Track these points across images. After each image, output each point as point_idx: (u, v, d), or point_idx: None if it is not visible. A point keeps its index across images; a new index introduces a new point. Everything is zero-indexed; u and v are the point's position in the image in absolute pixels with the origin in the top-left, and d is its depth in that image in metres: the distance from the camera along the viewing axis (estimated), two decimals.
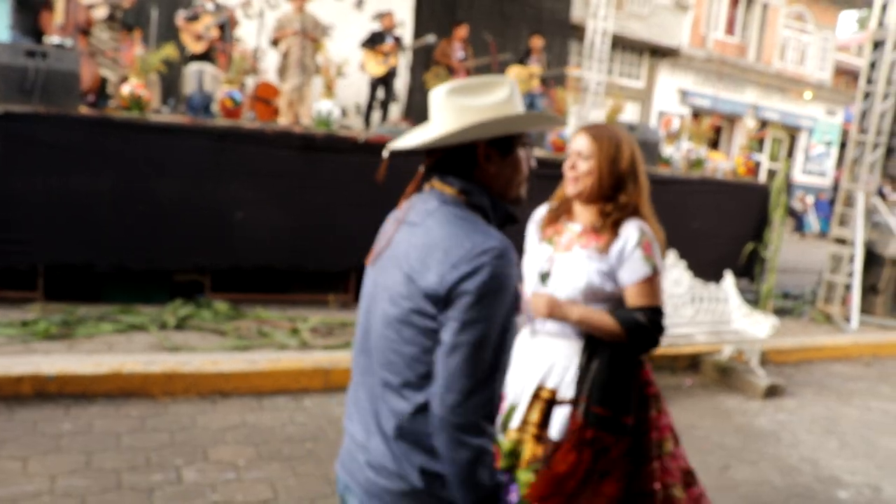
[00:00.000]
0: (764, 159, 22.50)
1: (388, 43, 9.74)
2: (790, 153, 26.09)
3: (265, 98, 8.50)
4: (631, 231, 2.51)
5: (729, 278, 6.65)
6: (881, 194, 11.04)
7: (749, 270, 9.40)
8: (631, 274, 2.49)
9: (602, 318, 2.49)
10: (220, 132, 6.55)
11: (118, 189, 6.20)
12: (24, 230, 5.98)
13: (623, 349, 2.52)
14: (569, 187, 2.60)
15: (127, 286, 6.50)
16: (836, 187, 17.86)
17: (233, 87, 6.98)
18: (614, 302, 2.54)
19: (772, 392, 6.30)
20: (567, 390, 2.54)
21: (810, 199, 23.14)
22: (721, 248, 9.08)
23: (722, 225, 9.16)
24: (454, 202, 1.73)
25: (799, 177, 25.69)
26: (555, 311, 2.51)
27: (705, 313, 6.37)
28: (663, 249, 2.60)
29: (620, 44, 20.04)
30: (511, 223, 1.83)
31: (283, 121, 7.78)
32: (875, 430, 5.76)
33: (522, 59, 10.87)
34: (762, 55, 24.32)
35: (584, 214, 2.63)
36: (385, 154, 1.84)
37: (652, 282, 2.50)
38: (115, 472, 3.85)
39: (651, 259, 2.50)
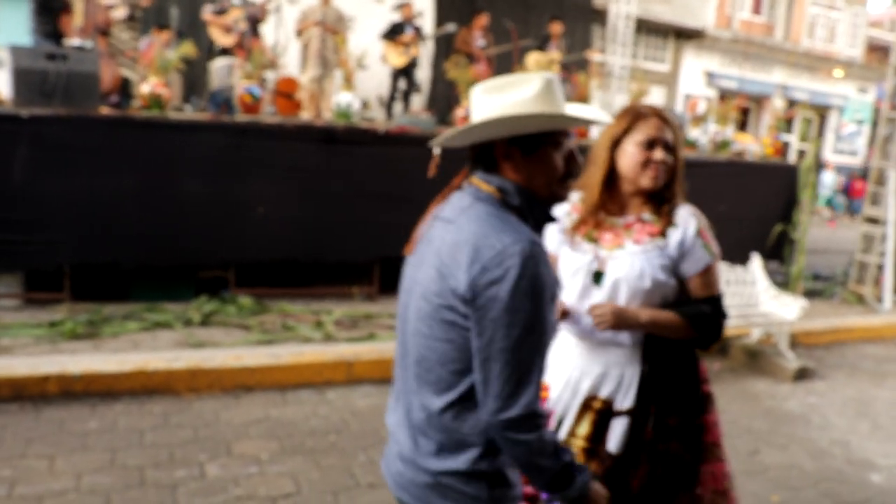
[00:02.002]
0: (793, 140, 22.17)
1: (409, 33, 9.70)
2: (820, 133, 25.65)
3: (286, 92, 8.50)
4: (688, 219, 2.34)
5: (756, 260, 6.56)
6: None
7: (778, 252, 9.26)
8: (694, 265, 2.33)
9: (670, 317, 2.30)
10: (240, 128, 6.57)
11: (141, 188, 6.24)
12: (50, 231, 6.04)
13: (683, 348, 2.38)
14: (647, 180, 2.34)
15: (153, 284, 6.56)
16: (868, 166, 17.53)
17: (251, 83, 6.99)
18: (671, 294, 2.35)
19: (801, 375, 6.20)
20: (624, 400, 2.36)
21: (840, 179, 22.79)
22: (749, 231, 8.95)
23: (750, 207, 9.01)
24: (489, 199, 1.72)
25: (830, 157, 25.26)
26: (623, 322, 2.27)
27: (733, 296, 6.29)
28: None
29: (644, 27, 19.80)
30: (550, 222, 1.81)
31: (306, 115, 7.78)
32: None
33: (542, 46, 10.77)
34: (790, 34, 23.92)
35: (632, 206, 2.41)
36: (435, 152, 1.87)
37: (713, 270, 2.35)
38: (139, 468, 3.88)
39: (710, 246, 2.35)
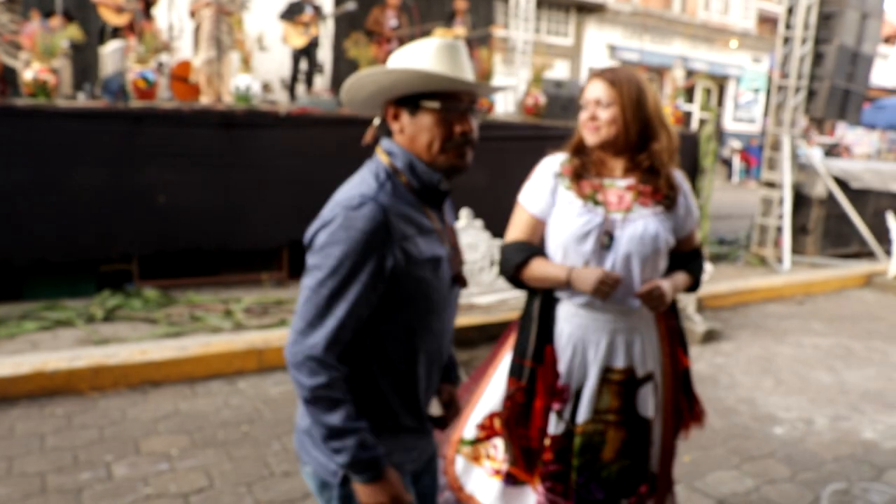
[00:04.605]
0: (695, 109, 22.78)
1: (308, 13, 9.49)
2: (720, 102, 26.45)
3: (183, 76, 8.22)
4: (682, 182, 2.48)
5: None
6: (808, 137, 11.20)
7: None
8: (692, 222, 2.51)
9: (683, 278, 2.51)
10: (135, 114, 6.32)
11: (32, 180, 5.94)
12: None
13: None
14: (588, 137, 2.38)
15: (50, 281, 6.28)
16: (765, 133, 18.18)
17: (145, 67, 6.72)
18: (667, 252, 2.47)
19: (709, 337, 6.39)
20: (644, 365, 2.42)
21: (738, 145, 23.54)
22: None
23: None
24: (378, 163, 1.75)
25: (729, 125, 26.08)
26: (672, 297, 2.41)
27: None
28: None
29: (546, 2, 19.97)
30: (437, 194, 1.78)
31: (205, 99, 7.55)
32: (807, 366, 5.91)
33: (447, 22, 10.72)
34: (687, 6, 24.51)
35: (619, 167, 2.42)
36: (375, 122, 1.86)
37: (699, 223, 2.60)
38: (40, 475, 3.71)
39: (694, 202, 2.55)
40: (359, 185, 1.69)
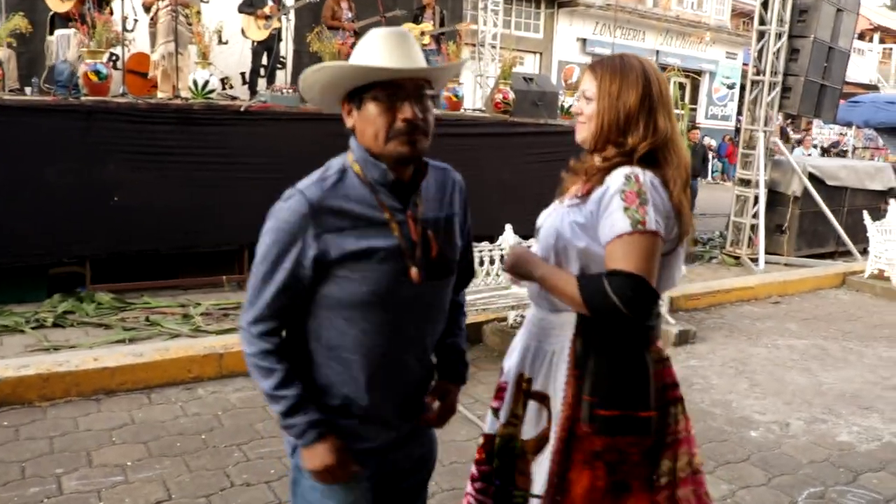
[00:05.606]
0: None
1: (268, 5, 9.29)
2: (694, 98, 26.51)
3: (138, 70, 7.95)
4: (616, 177, 1.95)
5: None
6: (785, 134, 11.19)
7: None
8: (609, 229, 1.92)
9: (566, 280, 1.96)
10: (88, 109, 6.14)
11: None
12: None
13: (630, 332, 2.00)
14: (576, 133, 2.13)
15: None
16: (739, 129, 18.22)
17: (96, 60, 6.47)
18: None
19: (683, 339, 6.31)
20: (538, 381, 2.08)
21: (713, 141, 23.65)
22: None
23: None
24: (341, 157, 1.82)
25: (703, 121, 26.13)
26: (518, 266, 2.09)
27: None
28: (681, 206, 2.01)
29: None
30: (395, 185, 1.80)
31: (163, 94, 7.33)
32: (782, 368, 5.85)
33: (417, 17, 10.56)
34: (660, 0, 24.55)
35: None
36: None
37: (630, 240, 1.88)
38: None
39: (633, 211, 1.90)
40: (304, 179, 1.79)
